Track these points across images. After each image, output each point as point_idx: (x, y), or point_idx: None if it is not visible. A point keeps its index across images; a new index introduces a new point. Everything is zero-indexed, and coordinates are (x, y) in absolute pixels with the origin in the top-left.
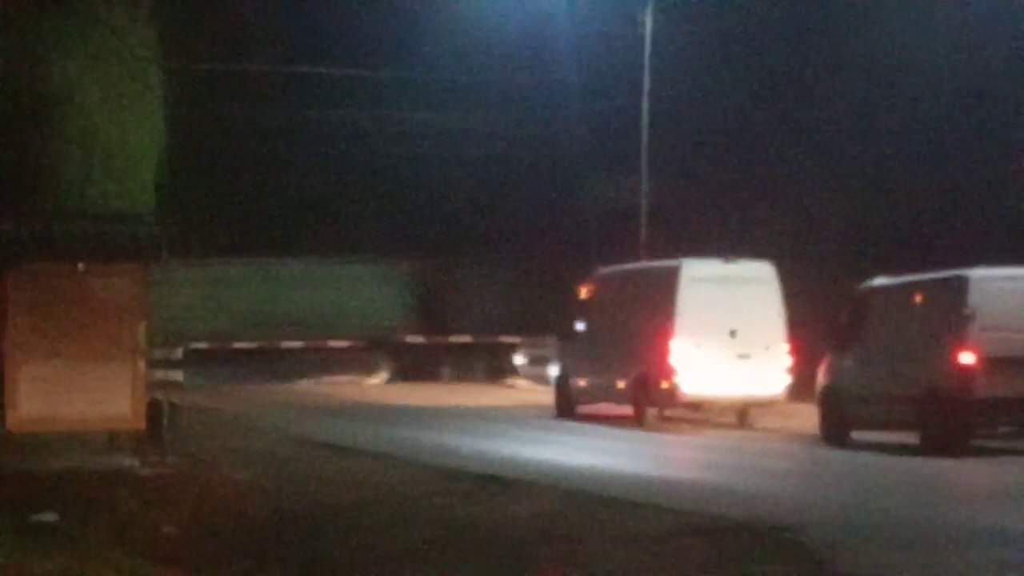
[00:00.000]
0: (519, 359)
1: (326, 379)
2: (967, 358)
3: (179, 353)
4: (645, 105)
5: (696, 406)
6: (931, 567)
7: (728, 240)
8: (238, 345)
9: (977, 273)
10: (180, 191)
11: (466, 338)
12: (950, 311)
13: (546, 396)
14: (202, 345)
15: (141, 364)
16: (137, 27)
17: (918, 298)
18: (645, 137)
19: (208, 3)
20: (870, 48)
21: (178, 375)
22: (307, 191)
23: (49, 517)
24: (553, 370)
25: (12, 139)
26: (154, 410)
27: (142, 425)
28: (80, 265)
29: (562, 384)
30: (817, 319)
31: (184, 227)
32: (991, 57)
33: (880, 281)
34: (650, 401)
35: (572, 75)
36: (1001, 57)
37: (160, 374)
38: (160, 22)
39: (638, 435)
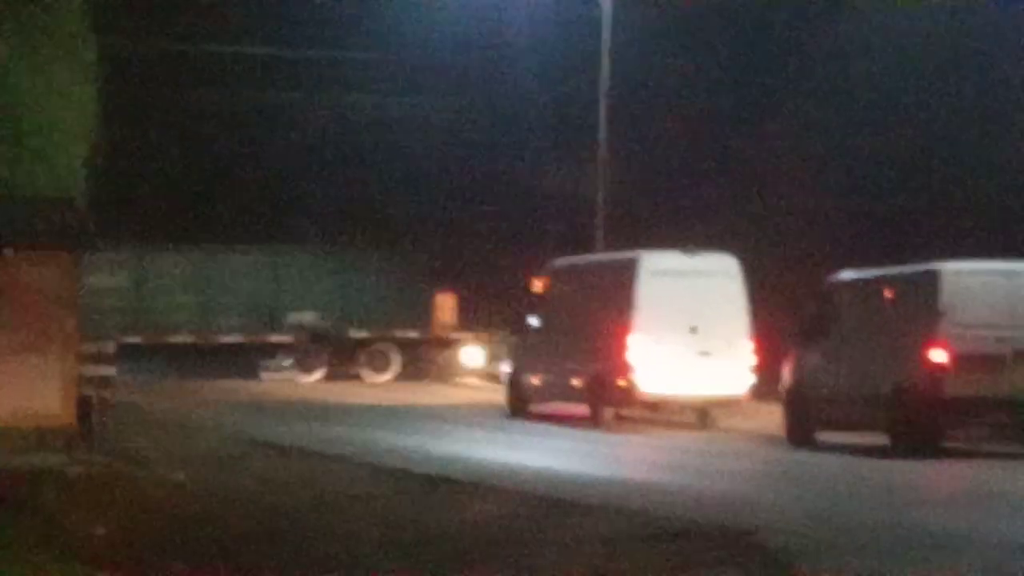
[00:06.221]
0: (469, 355)
1: (267, 376)
2: (938, 355)
3: (111, 347)
4: (603, 89)
5: (655, 405)
6: (896, 573)
7: (689, 232)
8: (173, 339)
9: (949, 267)
10: (114, 176)
11: (413, 333)
12: (921, 306)
13: (498, 395)
14: (135, 339)
15: (71, 358)
16: (69, 2)
17: (887, 293)
18: (604, 126)
19: None
20: (843, 37)
21: (110, 370)
22: (248, 177)
23: None
24: (505, 367)
25: None
26: (84, 406)
27: (72, 422)
28: (7, 250)
29: (515, 382)
30: (782, 314)
31: (117, 214)
32: (966, 48)
33: (848, 275)
34: (607, 400)
35: (529, 60)
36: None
37: (91, 369)
38: None
39: (594, 435)
